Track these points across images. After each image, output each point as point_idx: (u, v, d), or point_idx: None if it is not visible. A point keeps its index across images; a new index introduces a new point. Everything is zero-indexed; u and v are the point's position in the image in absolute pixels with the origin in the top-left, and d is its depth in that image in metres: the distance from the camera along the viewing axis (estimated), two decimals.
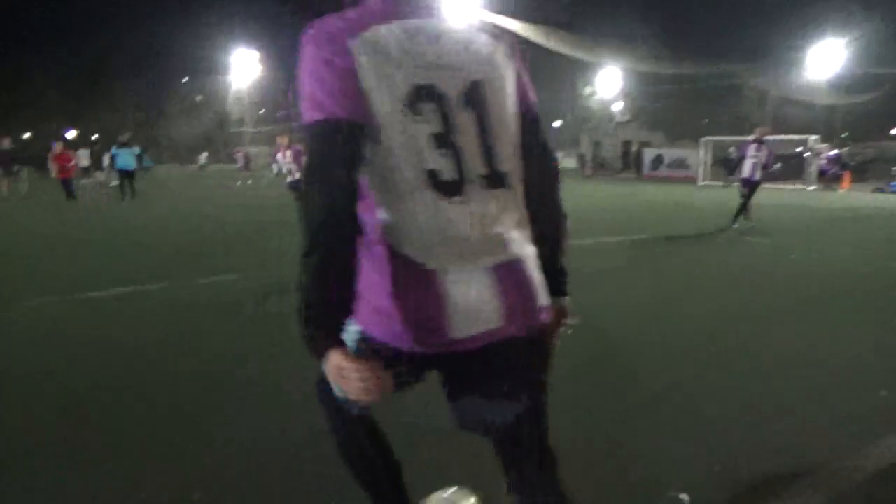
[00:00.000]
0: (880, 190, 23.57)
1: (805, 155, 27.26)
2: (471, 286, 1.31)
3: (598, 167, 39.75)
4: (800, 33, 39.00)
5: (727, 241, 9.75)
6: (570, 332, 1.60)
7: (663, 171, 33.97)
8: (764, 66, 41.47)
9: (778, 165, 29.55)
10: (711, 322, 4.92)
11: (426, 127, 1.29)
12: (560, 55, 43.46)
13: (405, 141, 1.28)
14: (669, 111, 49.76)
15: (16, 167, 19.16)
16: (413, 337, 1.31)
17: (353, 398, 1.25)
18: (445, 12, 1.38)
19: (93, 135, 50.88)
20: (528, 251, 1.40)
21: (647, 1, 41.68)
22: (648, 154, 35.66)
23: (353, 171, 1.24)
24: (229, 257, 7.87)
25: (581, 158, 41.45)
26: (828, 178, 25.76)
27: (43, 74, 58.20)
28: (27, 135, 58.79)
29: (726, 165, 26.89)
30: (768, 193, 19.19)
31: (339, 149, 1.23)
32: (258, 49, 74.24)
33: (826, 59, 40.41)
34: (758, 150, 10.81)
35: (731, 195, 13.95)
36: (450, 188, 1.30)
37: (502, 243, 1.35)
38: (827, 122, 43.61)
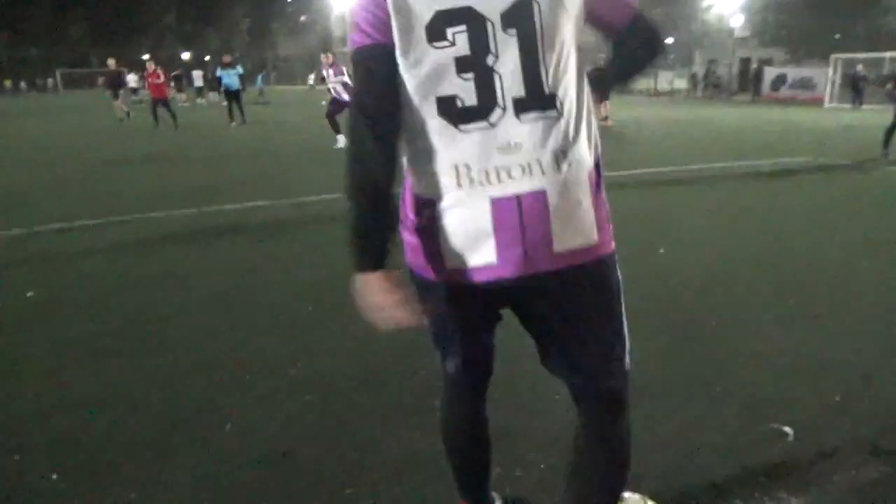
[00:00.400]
0: None
1: None
2: (468, 218, 1.30)
3: (712, 88, 37.21)
4: None
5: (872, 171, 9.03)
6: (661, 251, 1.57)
7: (785, 92, 31.33)
8: None
9: None
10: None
11: (450, 51, 1.25)
12: None
13: (425, 70, 1.26)
14: (795, 26, 45.25)
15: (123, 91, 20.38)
16: (432, 268, 1.37)
17: (379, 323, 1.32)
18: None
19: (206, 56, 52.80)
20: (567, 177, 1.29)
21: None
22: (769, 73, 32.91)
23: (391, 88, 1.28)
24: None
25: (693, 78, 38.90)
26: None
27: None
28: (146, 56, 61.92)
29: (854, 86, 24.48)
30: None
31: (379, 69, 1.27)
32: None
33: None
34: None
35: (864, 119, 12.75)
36: (466, 115, 1.27)
37: (526, 172, 1.28)
38: None
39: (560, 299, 1.37)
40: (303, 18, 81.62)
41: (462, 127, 1.27)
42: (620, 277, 1.44)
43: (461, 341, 1.53)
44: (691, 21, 51.12)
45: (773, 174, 8.67)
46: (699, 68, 38.98)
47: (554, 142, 1.28)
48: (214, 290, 4.02)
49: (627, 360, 1.48)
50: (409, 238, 1.40)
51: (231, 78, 17.53)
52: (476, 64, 1.25)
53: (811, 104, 27.49)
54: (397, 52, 1.25)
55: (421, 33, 1.24)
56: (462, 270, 1.33)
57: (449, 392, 1.67)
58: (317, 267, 4.44)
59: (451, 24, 1.24)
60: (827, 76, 28.03)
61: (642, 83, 44.76)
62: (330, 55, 11.91)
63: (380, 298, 1.29)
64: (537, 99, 1.27)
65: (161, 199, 6.93)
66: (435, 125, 1.29)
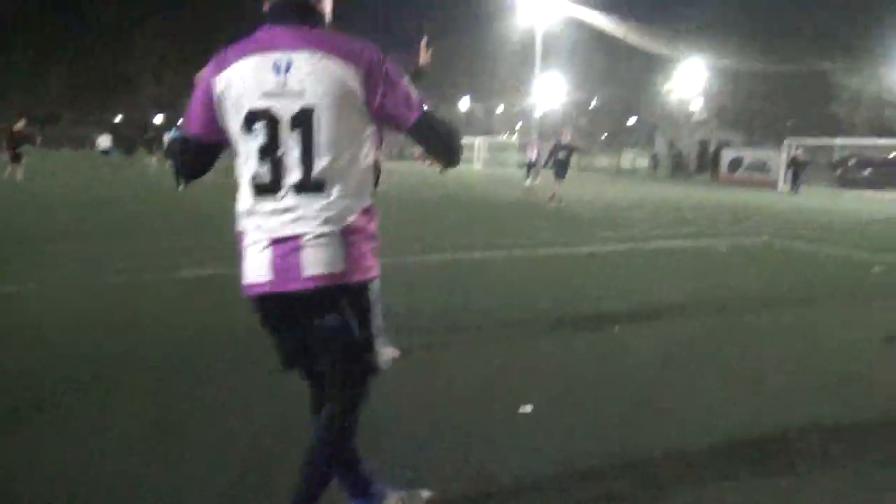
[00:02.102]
0: None
1: None
2: (256, 251, 1.80)
3: (673, 167, 38.62)
4: None
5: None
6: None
7: (742, 174, 32.60)
8: (859, 65, 39.07)
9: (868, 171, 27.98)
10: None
11: (256, 142, 1.75)
12: (638, 50, 42.39)
13: (243, 152, 1.80)
14: (750, 111, 47.61)
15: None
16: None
17: None
18: (310, 42, 1.73)
19: (180, 119, 52.97)
20: (319, 226, 1.75)
21: None
22: (727, 155, 34.31)
23: (195, 162, 1.99)
24: None
25: (654, 158, 40.37)
26: None
27: (137, 60, 60.78)
28: (118, 118, 62.09)
29: (794, 171, 25.43)
30: (866, 204, 18.18)
31: (184, 151, 1.97)
32: None
33: None
34: None
35: (809, 201, 13.29)
36: (264, 189, 1.78)
37: (292, 228, 1.75)
38: None
39: (307, 312, 1.84)
40: None
41: (258, 198, 1.79)
42: (373, 300, 1.90)
43: None
44: (652, 104, 53.46)
45: (728, 253, 8.92)
46: (660, 149, 40.50)
47: (321, 211, 1.74)
48: None
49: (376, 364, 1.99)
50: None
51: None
52: (270, 153, 1.74)
53: (766, 186, 28.57)
54: (232, 138, 1.83)
55: (237, 126, 1.78)
56: (251, 283, 1.84)
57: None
58: None
59: (256, 121, 1.74)
60: (780, 159, 29.26)
61: (604, 161, 46.23)
62: None
63: None
64: (310, 182, 1.74)
65: None
66: (247, 190, 1.81)
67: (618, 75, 49.51)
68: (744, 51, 38.76)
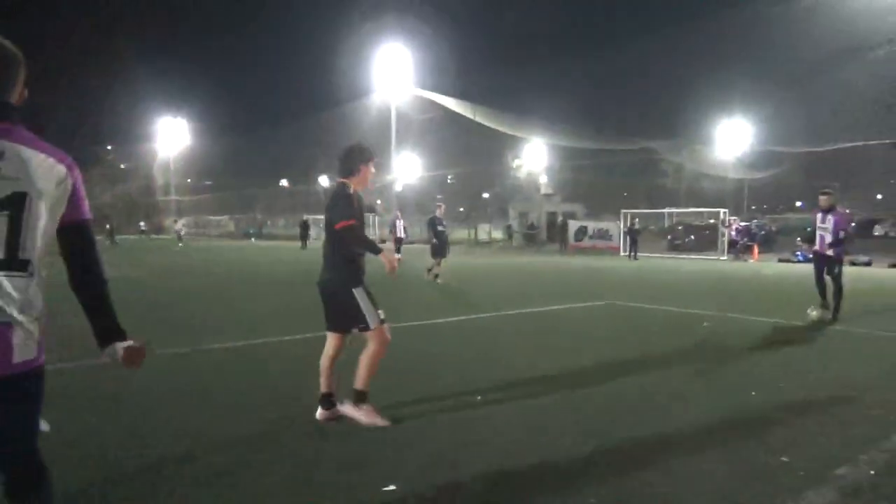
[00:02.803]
0: (786, 260, 24.93)
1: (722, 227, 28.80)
2: None
3: (526, 238, 40.79)
4: (711, 112, 41.89)
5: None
6: None
7: (587, 242, 35.15)
8: (679, 143, 44.11)
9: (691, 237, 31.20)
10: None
11: None
12: (489, 129, 45.08)
13: None
14: (590, 185, 51.91)
15: None
16: None
17: None
18: (27, 139, 1.89)
19: None
20: (20, 318, 1.83)
21: (568, 82, 43.91)
22: (573, 225, 36.89)
23: None
24: None
25: (509, 229, 42.46)
26: (739, 248, 27.22)
27: None
28: None
29: (631, 238, 27.81)
30: (687, 263, 20.09)
31: None
32: (186, 118, 73.73)
33: (735, 137, 43.44)
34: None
35: (644, 265, 14.41)
36: None
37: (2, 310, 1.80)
38: (736, 195, 46.48)
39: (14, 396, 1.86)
40: (123, 166, 78.92)
41: None
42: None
43: None
44: (506, 178, 56.66)
45: (584, 313, 9.48)
46: (514, 221, 42.74)
47: (20, 293, 1.83)
48: None
49: None
50: None
51: None
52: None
53: (609, 252, 30.94)
54: None
55: None
56: None
57: None
58: None
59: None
60: (619, 228, 31.96)
61: (462, 234, 48.03)
62: None
63: None
64: (14, 262, 1.82)
65: None
66: None
67: (471, 152, 52.15)
68: (579, 131, 42.52)
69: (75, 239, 1.99)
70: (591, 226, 36.65)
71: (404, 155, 50.41)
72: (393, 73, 46.68)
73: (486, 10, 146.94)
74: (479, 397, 4.94)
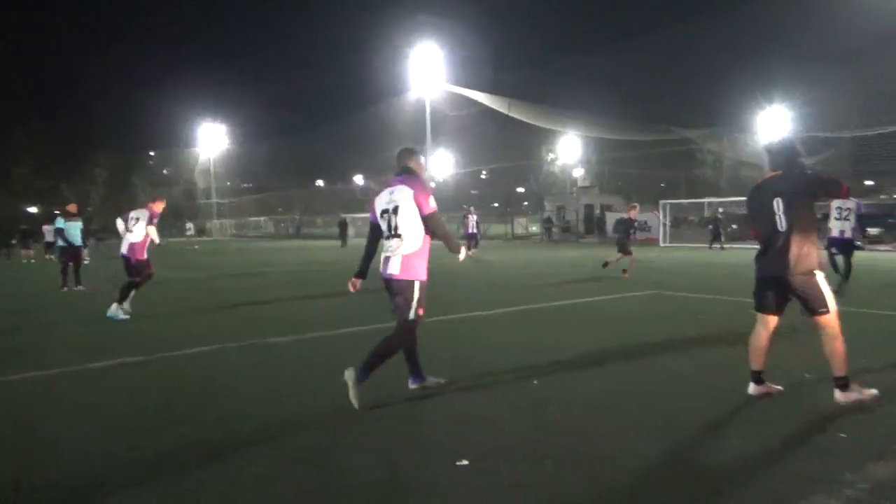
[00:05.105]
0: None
1: None
2: (382, 257, 4.66)
3: (563, 232, 40.62)
4: (751, 99, 41.01)
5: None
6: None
7: None
8: (718, 131, 43.35)
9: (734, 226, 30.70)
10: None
11: (384, 222, 4.65)
12: (523, 123, 45.00)
13: (378, 211, 4.76)
14: (628, 176, 51.40)
15: None
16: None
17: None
18: (404, 182, 4.63)
19: (56, 210, 50.45)
20: (397, 254, 4.54)
21: (605, 71, 43.49)
22: (611, 218, 36.67)
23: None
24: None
25: (545, 223, 42.29)
26: None
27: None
28: None
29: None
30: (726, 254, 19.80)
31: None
32: (224, 122, 75.16)
33: (776, 123, 42.54)
34: None
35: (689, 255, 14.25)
36: (385, 234, 4.65)
37: (390, 251, 4.56)
38: None
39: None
40: (165, 171, 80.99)
41: (384, 237, 4.68)
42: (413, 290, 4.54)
43: None
44: (539, 172, 56.53)
45: (624, 302, 9.57)
46: (551, 214, 42.56)
47: (402, 245, 4.54)
48: None
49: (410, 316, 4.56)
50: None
51: (76, 231, 14.00)
52: (387, 221, 4.61)
53: (649, 244, 30.72)
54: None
55: (377, 212, 4.75)
56: (383, 275, 4.64)
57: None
58: None
59: (385, 212, 4.64)
60: (659, 219, 31.69)
61: (500, 229, 48.15)
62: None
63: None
64: (395, 234, 4.56)
65: None
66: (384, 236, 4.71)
67: (505, 147, 52.17)
68: (615, 123, 42.11)
69: (425, 221, 4.57)
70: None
71: (438, 152, 50.72)
72: (427, 70, 46.98)
73: (519, 1, 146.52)
74: (535, 381, 5.14)
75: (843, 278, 10.22)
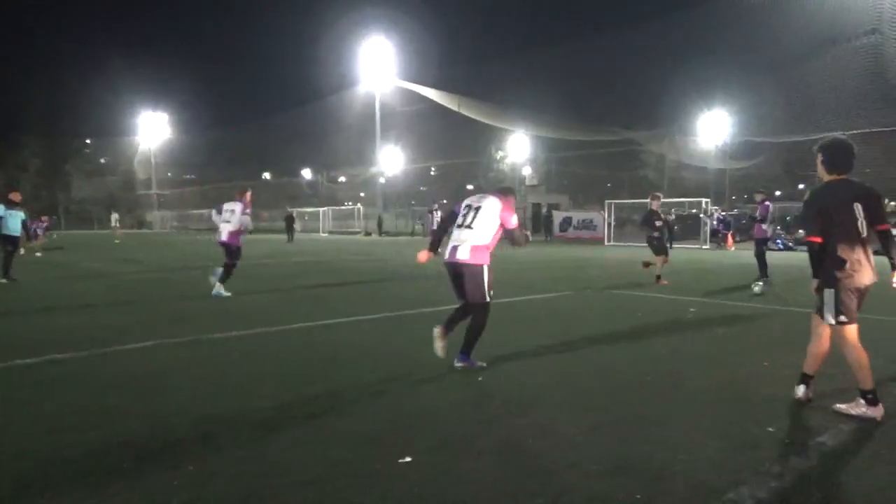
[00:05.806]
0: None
1: (701, 216, 29.31)
2: (449, 246, 5.48)
3: None
4: (692, 103, 42.19)
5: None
6: None
7: (572, 233, 35.54)
8: (661, 133, 44.45)
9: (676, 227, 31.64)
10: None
11: (462, 215, 5.59)
12: (472, 121, 45.17)
13: (461, 210, 5.68)
14: (575, 175, 52.31)
15: None
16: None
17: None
18: (497, 195, 5.65)
19: None
20: (466, 243, 5.38)
21: (552, 73, 44.01)
22: (557, 216, 37.22)
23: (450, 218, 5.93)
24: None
25: None
26: (718, 238, 27.72)
27: None
28: None
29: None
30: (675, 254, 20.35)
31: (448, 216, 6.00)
32: (166, 111, 72.95)
33: (716, 127, 43.85)
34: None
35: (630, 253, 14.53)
36: (458, 223, 5.54)
37: (460, 240, 5.42)
38: (717, 185, 47.02)
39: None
40: (103, 160, 78.11)
41: (457, 228, 5.55)
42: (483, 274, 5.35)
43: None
44: (488, 170, 56.87)
45: (564, 300, 9.72)
46: None
47: (471, 236, 5.40)
48: None
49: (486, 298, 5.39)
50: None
51: (15, 221, 13.21)
52: (465, 216, 5.55)
53: (594, 242, 31.30)
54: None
55: (462, 205, 5.73)
56: (447, 260, 5.50)
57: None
58: None
59: (467, 208, 5.57)
60: (604, 218, 32.33)
61: None
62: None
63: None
64: (468, 226, 5.44)
65: None
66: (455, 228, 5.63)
67: (455, 143, 52.32)
68: (562, 122, 42.71)
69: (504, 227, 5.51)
70: (576, 216, 37.04)
71: (387, 148, 50.44)
72: (377, 65, 46.65)
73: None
74: (479, 378, 5.17)
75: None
